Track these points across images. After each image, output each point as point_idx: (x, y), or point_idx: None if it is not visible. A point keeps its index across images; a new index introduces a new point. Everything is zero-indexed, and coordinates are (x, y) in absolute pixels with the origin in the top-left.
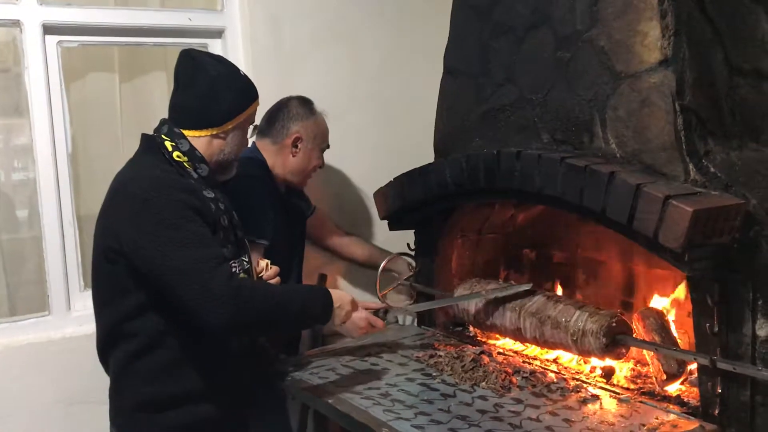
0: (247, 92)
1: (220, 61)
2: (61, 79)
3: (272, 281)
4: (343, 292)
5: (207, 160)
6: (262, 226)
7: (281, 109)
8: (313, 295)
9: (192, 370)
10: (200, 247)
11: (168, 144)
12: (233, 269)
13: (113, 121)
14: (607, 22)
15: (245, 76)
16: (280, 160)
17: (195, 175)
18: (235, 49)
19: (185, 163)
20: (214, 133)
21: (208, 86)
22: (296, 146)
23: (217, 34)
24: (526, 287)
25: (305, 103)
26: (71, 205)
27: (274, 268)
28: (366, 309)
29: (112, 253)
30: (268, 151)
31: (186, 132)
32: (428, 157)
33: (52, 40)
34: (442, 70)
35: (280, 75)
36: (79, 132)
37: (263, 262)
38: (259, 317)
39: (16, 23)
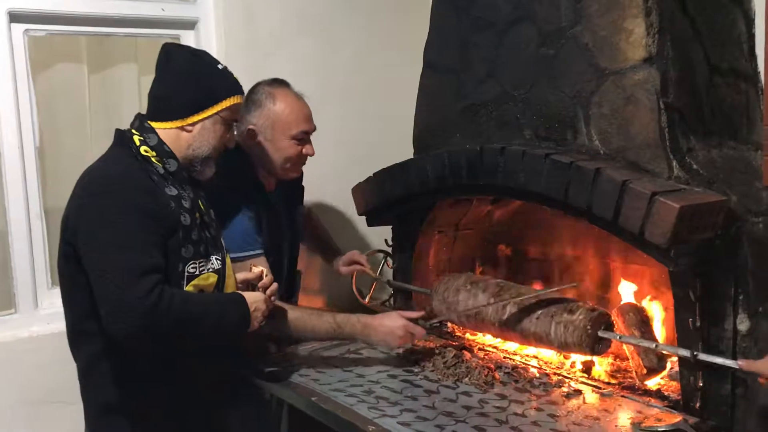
0: (219, 88)
1: (197, 54)
2: (28, 69)
3: (269, 291)
4: (255, 293)
5: (176, 155)
6: (249, 238)
7: (245, 98)
8: (229, 306)
9: (156, 373)
10: (131, 252)
11: (136, 138)
12: (185, 276)
13: (81, 114)
14: (591, 19)
15: (223, 71)
16: (253, 157)
17: (162, 171)
18: (208, 40)
19: (153, 158)
20: (179, 125)
21: (175, 77)
22: (254, 139)
23: (190, 25)
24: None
25: (265, 87)
26: (39, 199)
27: (270, 277)
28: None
29: (66, 247)
30: (245, 148)
31: (154, 124)
32: (404, 151)
33: (19, 28)
34: (416, 63)
35: (254, 67)
36: (47, 124)
37: (257, 269)
38: (169, 334)
39: None
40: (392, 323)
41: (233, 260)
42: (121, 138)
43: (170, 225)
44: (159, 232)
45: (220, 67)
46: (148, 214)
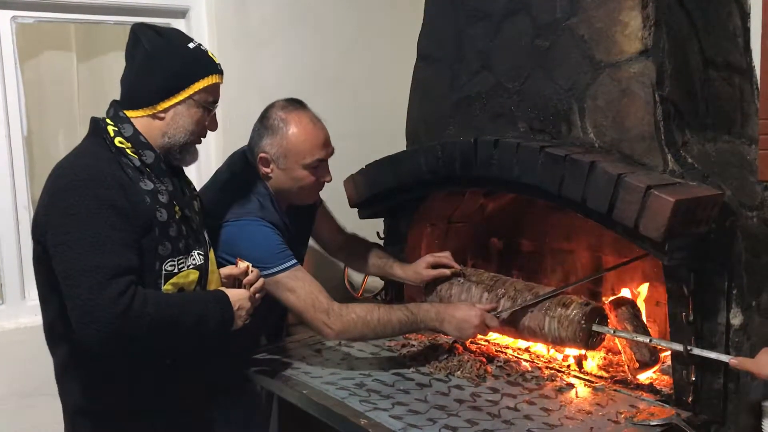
0: (189, 69)
1: (163, 34)
2: (16, 56)
3: (254, 287)
4: (240, 290)
5: (152, 144)
6: (281, 254)
7: (258, 120)
8: (210, 306)
9: (133, 376)
10: (101, 253)
11: (111, 129)
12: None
13: (70, 102)
14: (587, 11)
15: (193, 51)
16: (269, 183)
17: (138, 163)
18: (199, 29)
19: (128, 150)
20: (150, 113)
21: (142, 62)
22: (267, 167)
23: (181, 14)
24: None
25: (278, 112)
26: (26, 189)
27: (255, 272)
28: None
29: (37, 246)
30: (259, 174)
31: (128, 112)
32: (396, 143)
33: (6, 15)
34: (410, 54)
35: (246, 57)
36: (34, 113)
37: (242, 264)
38: (144, 339)
39: None
40: (468, 312)
41: (272, 277)
42: (96, 128)
43: (145, 222)
44: (132, 231)
45: (191, 46)
46: (119, 212)
